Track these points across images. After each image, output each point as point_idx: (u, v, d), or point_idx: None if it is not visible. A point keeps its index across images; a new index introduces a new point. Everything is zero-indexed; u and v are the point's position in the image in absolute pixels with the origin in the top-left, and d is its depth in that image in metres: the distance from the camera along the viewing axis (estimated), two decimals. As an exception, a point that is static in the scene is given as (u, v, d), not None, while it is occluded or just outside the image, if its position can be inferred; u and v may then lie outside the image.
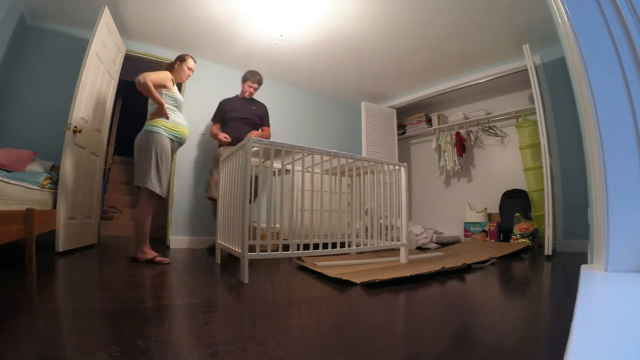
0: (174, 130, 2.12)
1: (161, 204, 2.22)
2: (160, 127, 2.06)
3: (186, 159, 3.27)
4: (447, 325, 1.03)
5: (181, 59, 2.26)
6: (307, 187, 2.63)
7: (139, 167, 2.04)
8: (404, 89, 4.34)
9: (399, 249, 2.32)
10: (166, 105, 2.07)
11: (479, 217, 3.81)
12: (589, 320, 0.56)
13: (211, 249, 2.79)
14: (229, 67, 3.65)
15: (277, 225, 2.48)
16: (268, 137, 3.04)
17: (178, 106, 2.20)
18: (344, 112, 4.67)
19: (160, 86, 2.07)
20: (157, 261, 2.00)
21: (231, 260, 2.23)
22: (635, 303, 0.62)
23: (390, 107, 4.58)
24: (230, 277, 1.77)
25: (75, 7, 2.65)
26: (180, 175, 3.22)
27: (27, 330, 0.84)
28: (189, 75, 2.31)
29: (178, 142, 2.19)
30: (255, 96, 3.12)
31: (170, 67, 2.26)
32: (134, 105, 5.54)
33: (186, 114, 3.32)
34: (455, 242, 3.77)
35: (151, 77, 2.02)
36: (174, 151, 2.19)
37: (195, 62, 2.32)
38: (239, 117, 2.92)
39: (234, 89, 3.70)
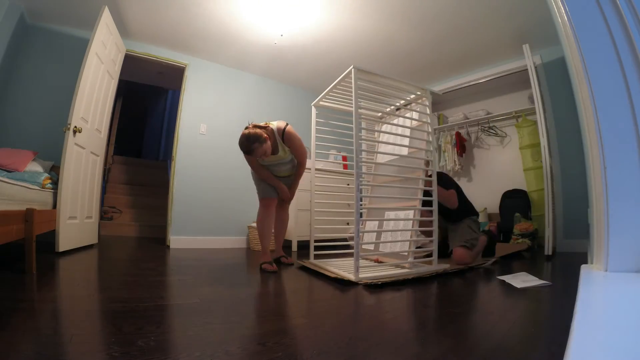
0: None
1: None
2: None
3: (187, 159, 3.26)
4: (447, 325, 1.03)
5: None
6: (307, 187, 2.62)
7: None
8: (404, 89, 4.33)
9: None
10: None
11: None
12: (589, 320, 0.56)
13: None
14: (229, 67, 3.65)
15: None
16: None
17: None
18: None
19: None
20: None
21: (230, 260, 2.23)
22: (635, 303, 0.62)
23: (390, 107, 4.57)
24: (230, 277, 1.77)
25: (75, 7, 2.65)
26: (180, 176, 3.21)
27: (27, 330, 0.84)
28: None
29: None
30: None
31: None
32: (134, 105, 5.56)
33: (186, 114, 3.34)
34: (455, 242, 3.75)
35: None
36: None
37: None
38: None
39: (233, 89, 3.71)
